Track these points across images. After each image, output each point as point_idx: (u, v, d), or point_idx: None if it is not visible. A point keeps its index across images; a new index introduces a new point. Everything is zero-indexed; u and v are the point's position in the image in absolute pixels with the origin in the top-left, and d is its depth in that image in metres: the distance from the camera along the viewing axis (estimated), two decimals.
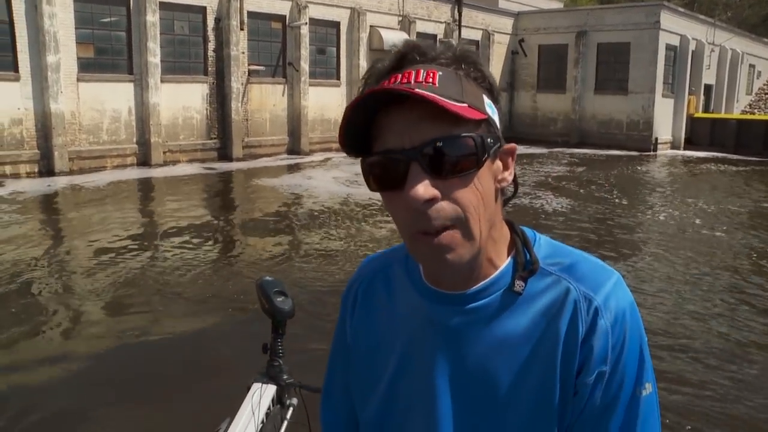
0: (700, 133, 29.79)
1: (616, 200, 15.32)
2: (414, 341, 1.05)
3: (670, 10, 28.38)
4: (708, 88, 32.80)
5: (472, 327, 1.01)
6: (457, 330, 1.01)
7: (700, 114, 30.84)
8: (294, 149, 22.09)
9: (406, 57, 0.96)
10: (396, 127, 0.92)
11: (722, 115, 32.11)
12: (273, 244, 10.28)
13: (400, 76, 0.92)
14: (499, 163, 0.98)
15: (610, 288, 0.98)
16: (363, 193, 14.45)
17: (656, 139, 27.87)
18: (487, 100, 0.96)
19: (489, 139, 0.94)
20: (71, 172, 16.28)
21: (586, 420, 0.97)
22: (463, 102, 0.90)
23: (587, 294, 0.97)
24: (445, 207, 0.91)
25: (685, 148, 29.10)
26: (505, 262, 1.02)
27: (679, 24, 28.69)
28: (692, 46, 29.63)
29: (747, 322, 7.04)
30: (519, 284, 0.99)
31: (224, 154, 20.00)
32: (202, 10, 19.26)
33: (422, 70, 0.92)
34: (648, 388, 0.98)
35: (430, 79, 0.90)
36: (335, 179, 16.95)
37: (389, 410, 1.08)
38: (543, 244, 1.05)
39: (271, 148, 21.53)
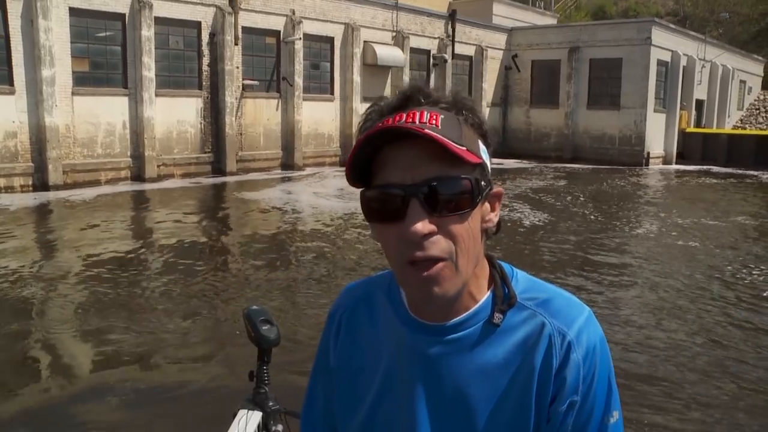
0: (692, 147, 30.04)
1: (592, 216, 15.40)
2: (395, 368, 1.10)
3: (661, 27, 28.69)
4: (699, 104, 33.10)
5: (451, 357, 1.05)
6: (436, 359, 1.06)
7: (691, 129, 31.10)
8: (288, 163, 22.18)
9: (411, 98, 1.01)
10: (400, 163, 0.97)
11: (713, 130, 32.36)
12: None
13: (405, 115, 0.97)
14: (487, 205, 1.04)
15: (582, 323, 1.04)
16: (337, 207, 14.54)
17: (648, 153, 28.05)
18: (481, 146, 1.02)
19: (482, 182, 1.00)
20: (65, 186, 16.33)
21: None
22: (463, 145, 0.96)
23: (561, 329, 1.03)
24: (440, 241, 0.96)
25: (677, 163, 29.30)
26: (485, 296, 1.07)
27: (670, 40, 28.99)
28: (683, 62, 29.93)
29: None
30: (498, 317, 1.05)
31: (218, 168, 20.08)
32: (197, 25, 19.41)
33: (426, 112, 0.97)
34: (615, 416, 1.05)
35: (434, 121, 0.95)
36: (316, 194, 16.99)
37: None
38: (520, 279, 1.11)
39: (264, 162, 21.62)
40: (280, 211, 14.46)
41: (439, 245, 0.96)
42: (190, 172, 19.42)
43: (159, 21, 18.21)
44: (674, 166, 28.65)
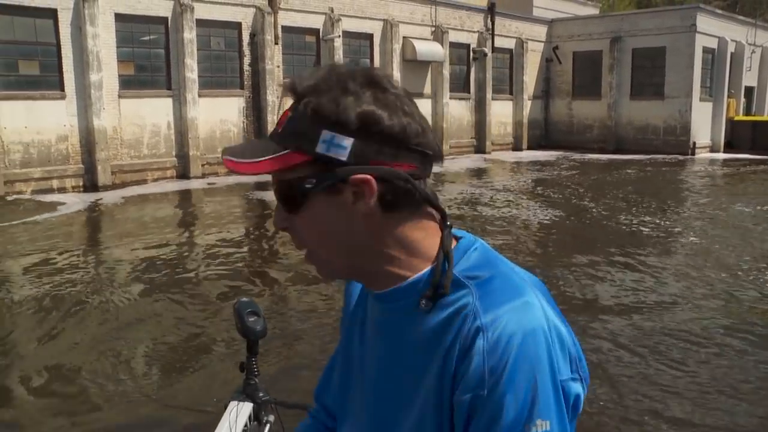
0: (741, 136, 29.21)
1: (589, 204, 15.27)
2: (360, 332, 1.15)
3: (706, 13, 28.01)
4: (749, 90, 32.13)
5: (388, 326, 1.05)
6: (380, 325, 1.07)
7: (740, 117, 30.25)
8: None
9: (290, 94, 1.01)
10: None
11: (764, 117, 31.40)
12: None
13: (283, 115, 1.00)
14: (348, 194, 0.95)
15: (507, 309, 0.92)
16: None
17: (694, 143, 27.46)
18: (327, 135, 0.93)
19: (309, 179, 0.94)
20: (114, 186, 16.94)
21: None
22: (286, 149, 0.94)
23: (477, 311, 0.92)
24: (295, 236, 1.02)
25: (725, 152, 28.57)
26: (418, 273, 1.01)
27: (716, 26, 28.28)
28: (731, 48, 29.15)
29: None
30: (424, 302, 0.98)
31: None
32: (238, 26, 19.83)
33: (285, 113, 0.98)
34: (543, 426, 0.88)
35: (283, 123, 0.97)
36: None
37: (343, 395, 1.20)
38: (474, 255, 1.01)
39: None
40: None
41: (295, 239, 1.02)
42: None
43: (200, 23, 18.67)
44: (722, 155, 27.94)
